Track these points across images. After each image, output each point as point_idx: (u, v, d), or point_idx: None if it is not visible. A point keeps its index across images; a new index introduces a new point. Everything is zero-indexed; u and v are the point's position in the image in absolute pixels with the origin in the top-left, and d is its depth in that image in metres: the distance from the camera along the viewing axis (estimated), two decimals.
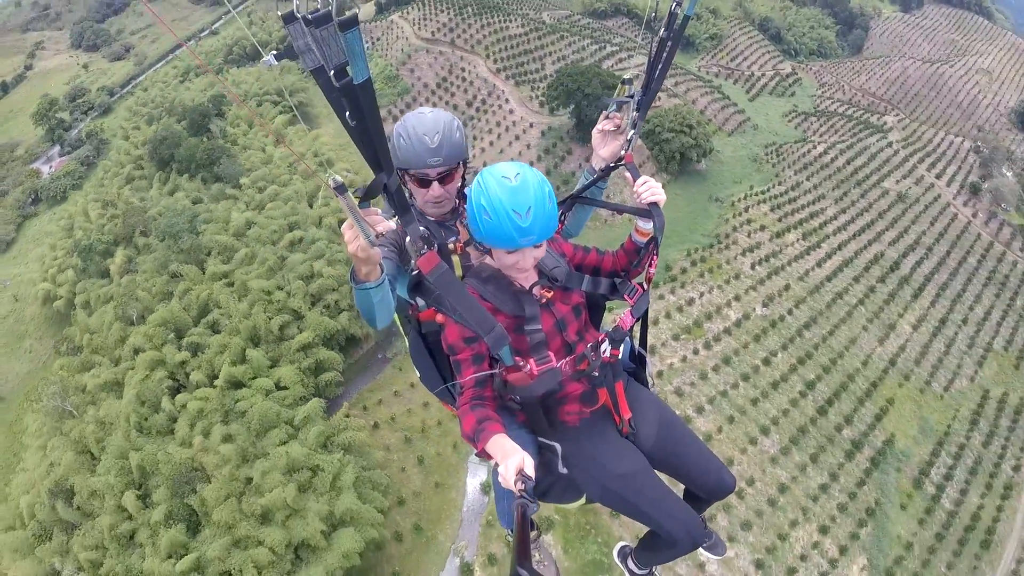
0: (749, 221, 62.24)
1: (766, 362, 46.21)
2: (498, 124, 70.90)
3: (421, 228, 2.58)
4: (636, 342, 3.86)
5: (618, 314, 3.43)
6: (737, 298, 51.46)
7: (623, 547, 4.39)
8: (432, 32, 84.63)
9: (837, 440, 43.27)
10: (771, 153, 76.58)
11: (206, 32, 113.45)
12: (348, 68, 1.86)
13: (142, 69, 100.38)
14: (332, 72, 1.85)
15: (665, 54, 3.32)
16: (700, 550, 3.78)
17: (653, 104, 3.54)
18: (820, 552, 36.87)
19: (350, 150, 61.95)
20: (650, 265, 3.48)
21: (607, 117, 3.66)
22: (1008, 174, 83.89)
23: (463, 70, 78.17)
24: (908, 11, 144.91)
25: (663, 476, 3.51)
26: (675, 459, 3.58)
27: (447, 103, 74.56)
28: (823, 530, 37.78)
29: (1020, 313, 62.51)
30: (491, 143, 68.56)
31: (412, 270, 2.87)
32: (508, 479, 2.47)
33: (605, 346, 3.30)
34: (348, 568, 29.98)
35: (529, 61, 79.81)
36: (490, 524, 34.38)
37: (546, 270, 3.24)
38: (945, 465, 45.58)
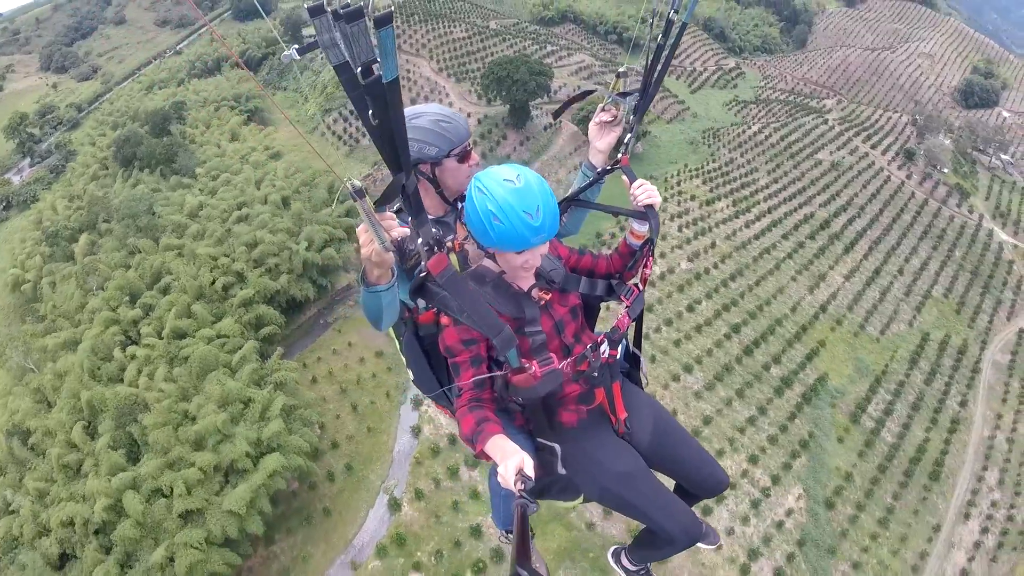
0: (680, 193, 65.03)
1: (690, 309, 48.09)
2: None
3: (433, 230, 2.65)
4: (630, 342, 3.95)
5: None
6: (662, 255, 53.34)
7: (615, 548, 4.45)
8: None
9: (765, 377, 44.32)
10: (708, 136, 79.60)
11: (171, 52, 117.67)
12: (374, 66, 1.85)
13: (109, 87, 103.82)
14: (359, 69, 1.84)
15: (662, 61, 3.39)
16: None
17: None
18: (750, 481, 37.38)
19: (300, 146, 66.75)
20: (645, 266, 3.58)
21: (604, 109, 3.72)
22: (946, 141, 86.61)
23: (408, 72, 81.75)
24: (852, 6, 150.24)
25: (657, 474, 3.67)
26: (670, 458, 3.67)
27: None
28: (752, 460, 38.46)
29: (960, 264, 64.61)
30: None
31: (419, 272, 2.77)
32: (508, 479, 2.49)
33: (604, 347, 3.39)
34: (274, 491, 31.93)
35: (470, 61, 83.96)
36: (418, 462, 35.93)
37: (544, 272, 3.26)
38: (884, 401, 46.59)
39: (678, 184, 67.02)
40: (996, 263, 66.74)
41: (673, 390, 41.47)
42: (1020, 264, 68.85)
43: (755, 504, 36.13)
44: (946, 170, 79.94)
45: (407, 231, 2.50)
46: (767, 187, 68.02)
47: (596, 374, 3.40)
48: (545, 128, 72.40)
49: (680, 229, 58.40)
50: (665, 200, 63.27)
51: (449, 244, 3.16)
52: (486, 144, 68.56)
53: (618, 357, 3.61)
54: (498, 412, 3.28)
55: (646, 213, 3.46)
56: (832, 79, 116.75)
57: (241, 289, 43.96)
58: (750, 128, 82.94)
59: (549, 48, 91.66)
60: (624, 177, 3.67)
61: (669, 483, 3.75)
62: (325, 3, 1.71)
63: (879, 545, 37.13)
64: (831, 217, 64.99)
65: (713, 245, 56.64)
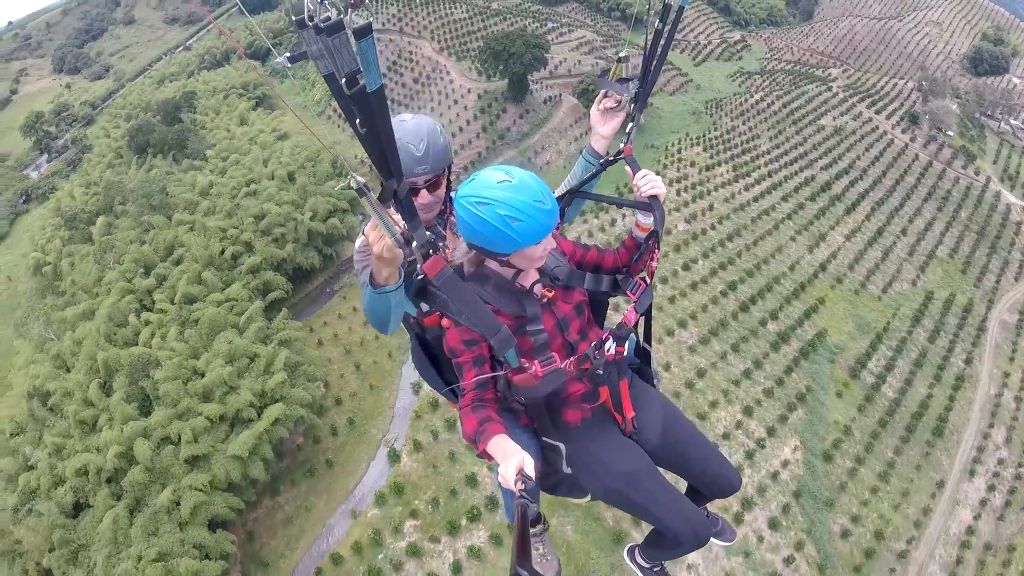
0: (680, 160, 65.79)
1: (685, 267, 48.48)
2: (440, 92, 76.34)
3: (428, 233, 2.60)
4: (640, 338, 3.89)
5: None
6: None
7: (631, 546, 4.39)
8: (383, 23, 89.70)
9: (761, 333, 44.32)
10: (711, 107, 79.89)
11: (180, 48, 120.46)
12: (359, 76, 1.86)
13: (121, 84, 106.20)
14: (344, 80, 1.85)
15: (661, 46, 3.34)
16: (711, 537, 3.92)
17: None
18: (745, 432, 37.47)
19: (303, 131, 68.25)
20: (651, 259, 3.45)
21: (607, 95, 3.64)
22: (952, 105, 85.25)
23: (411, 53, 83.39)
24: None
25: (668, 475, 3.63)
26: (680, 457, 3.63)
27: (397, 82, 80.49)
28: (747, 411, 38.53)
29: (965, 224, 64.01)
30: (432, 108, 73.66)
31: (417, 274, 2.74)
32: (508, 479, 2.47)
33: (609, 344, 3.30)
34: (277, 439, 33.68)
35: (471, 40, 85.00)
36: (418, 416, 36.99)
37: (547, 269, 3.23)
38: (885, 358, 46.20)
39: (678, 152, 67.73)
40: (1003, 224, 65.86)
41: (667, 344, 41.68)
42: None
43: (750, 455, 36.39)
44: (951, 133, 78.98)
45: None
46: (768, 152, 68.31)
47: (601, 372, 3.35)
48: (544, 101, 73.32)
49: (679, 193, 59.01)
50: (664, 167, 64.27)
51: (443, 254, 3.12)
52: (486, 118, 69.82)
53: (625, 354, 3.51)
54: (503, 411, 3.29)
55: (650, 204, 3.40)
56: (839, 49, 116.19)
57: (249, 257, 45.89)
58: (752, 97, 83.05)
59: (550, 25, 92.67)
60: (627, 167, 3.58)
61: (681, 485, 3.84)
62: (307, 17, 1.74)
63: (879, 499, 36.92)
64: (832, 180, 64.83)
65: (711, 207, 57.23)
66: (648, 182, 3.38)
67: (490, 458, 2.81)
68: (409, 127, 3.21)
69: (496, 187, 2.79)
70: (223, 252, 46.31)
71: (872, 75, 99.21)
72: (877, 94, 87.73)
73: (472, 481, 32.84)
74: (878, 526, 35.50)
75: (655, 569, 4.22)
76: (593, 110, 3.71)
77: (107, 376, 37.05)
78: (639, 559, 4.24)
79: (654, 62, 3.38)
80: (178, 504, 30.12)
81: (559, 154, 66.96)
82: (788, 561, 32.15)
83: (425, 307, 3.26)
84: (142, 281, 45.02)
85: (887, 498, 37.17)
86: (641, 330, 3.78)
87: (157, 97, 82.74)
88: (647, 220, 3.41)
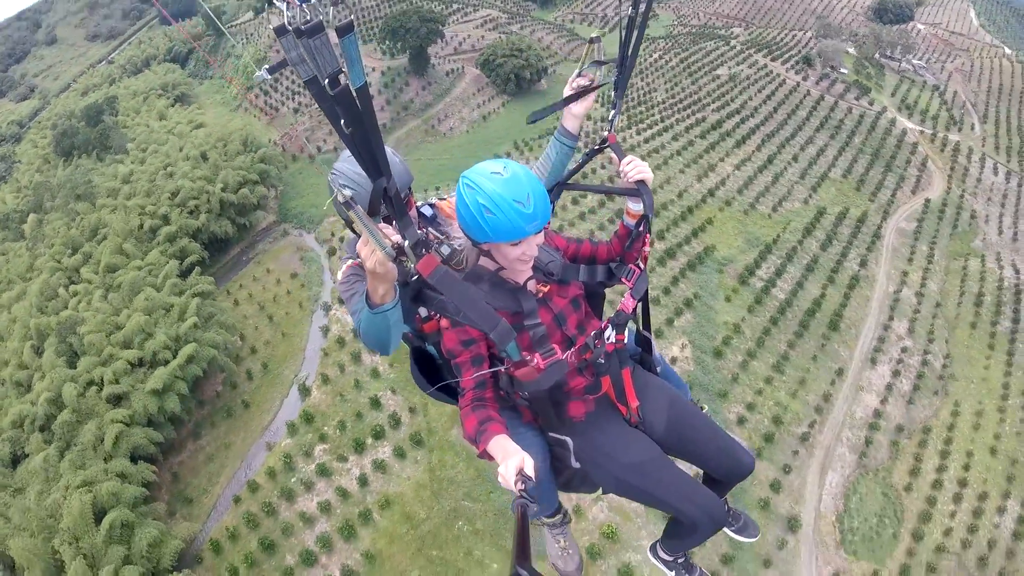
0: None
1: (574, 202, 49.91)
2: None
3: (419, 232, 2.57)
4: (639, 325, 3.87)
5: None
6: None
7: (653, 543, 4.30)
8: (289, 18, 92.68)
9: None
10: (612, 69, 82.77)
11: (103, 62, 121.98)
12: (341, 76, 1.86)
13: (47, 101, 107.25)
14: (326, 81, 1.85)
15: (636, 32, 3.39)
16: (731, 533, 4.12)
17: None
18: None
19: (226, 123, 70.84)
20: (643, 245, 3.48)
21: (580, 75, 3.66)
22: (849, 48, 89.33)
23: None
24: None
25: (682, 464, 3.62)
26: (688, 444, 3.60)
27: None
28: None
29: (859, 148, 66.37)
30: None
31: (412, 276, 2.69)
32: (508, 479, 2.46)
33: (609, 332, 3.34)
34: (193, 377, 36.68)
35: (376, 24, 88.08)
36: (326, 354, 39.36)
37: (541, 265, 3.22)
38: (775, 266, 47.08)
39: None
40: (899, 145, 68.66)
41: None
42: (925, 145, 71.19)
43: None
44: (844, 70, 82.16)
45: (399, 238, 2.45)
46: (663, 102, 71.49)
47: (602, 361, 3.35)
48: (447, 74, 77.12)
49: None
50: (557, 118, 66.50)
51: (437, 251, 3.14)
52: (389, 92, 72.97)
53: (626, 342, 3.51)
54: (506, 410, 3.32)
55: (638, 190, 3.40)
56: (744, 10, 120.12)
57: (166, 227, 49.30)
58: (652, 56, 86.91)
59: (456, 6, 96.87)
60: (613, 155, 3.64)
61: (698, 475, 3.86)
62: (287, 23, 1.80)
63: (775, 388, 37.75)
64: (724, 119, 67.11)
65: (601, 150, 59.14)
66: (634, 168, 3.43)
67: (491, 458, 2.78)
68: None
69: (487, 176, 2.81)
70: (142, 226, 49.51)
71: (774, 31, 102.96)
72: (775, 45, 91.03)
73: (376, 404, 35.06)
74: (775, 412, 36.42)
75: (679, 561, 4.17)
76: (567, 89, 3.74)
77: (39, 341, 40.01)
78: (661, 553, 4.19)
79: (630, 48, 3.44)
80: (102, 440, 32.63)
81: (462, 120, 70.74)
82: None
83: (424, 313, 3.27)
84: (69, 259, 48.25)
85: (783, 387, 38.16)
86: (640, 318, 3.80)
87: (81, 105, 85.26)
88: (636, 206, 3.44)
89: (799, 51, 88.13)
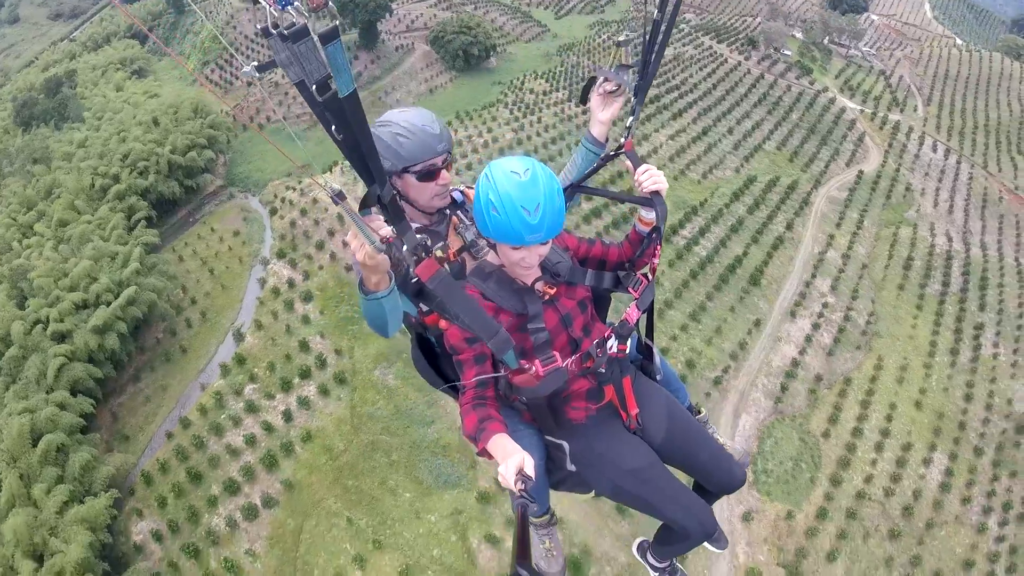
0: (521, 88, 71.42)
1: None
2: None
3: (418, 236, 2.55)
4: (643, 333, 3.79)
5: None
6: (489, 130, 60.25)
7: (642, 542, 4.40)
8: None
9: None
10: (563, 50, 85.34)
11: (65, 40, 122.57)
12: (331, 81, 1.83)
13: (8, 78, 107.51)
14: (314, 87, 1.82)
15: (660, 36, 3.24)
16: (706, 543, 3.98)
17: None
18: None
19: (181, 94, 71.83)
20: (653, 255, 3.40)
21: (607, 79, 3.60)
22: (797, 33, 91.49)
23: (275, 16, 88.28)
24: None
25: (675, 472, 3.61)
26: (684, 453, 3.59)
27: (261, 44, 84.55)
28: None
29: (795, 123, 68.00)
30: None
31: (411, 279, 2.66)
32: (508, 479, 2.45)
33: (612, 342, 3.32)
34: (134, 320, 39.25)
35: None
36: (262, 303, 41.59)
37: (549, 265, 3.18)
38: (699, 226, 48.01)
39: (522, 84, 72.95)
40: (836, 122, 70.38)
41: None
42: (864, 123, 73.35)
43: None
44: (788, 52, 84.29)
45: (389, 232, 2.41)
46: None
47: (604, 370, 3.31)
48: (396, 48, 79.98)
49: (511, 111, 64.79)
50: (504, 94, 70.08)
51: (441, 254, 3.24)
52: None
53: (628, 351, 3.48)
54: (505, 408, 3.32)
55: (652, 200, 3.32)
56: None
57: (116, 186, 51.71)
58: (600, 37, 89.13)
59: None
60: (628, 163, 3.51)
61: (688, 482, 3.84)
62: (270, 25, 1.71)
63: (690, 336, 38.77)
64: (663, 94, 68.62)
65: (539, 120, 62.60)
66: (649, 177, 3.33)
67: (490, 457, 2.76)
68: (414, 113, 3.22)
69: (505, 174, 2.76)
70: (93, 185, 52.04)
71: (726, 16, 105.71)
72: (724, 30, 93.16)
73: (304, 346, 37.05)
74: (689, 357, 37.35)
75: (666, 567, 4.23)
76: (593, 95, 3.70)
77: None
78: (650, 557, 4.25)
79: (653, 53, 3.30)
80: (45, 375, 35.05)
81: (409, 93, 72.95)
82: None
83: (425, 307, 3.28)
84: (24, 216, 51.03)
85: (698, 335, 39.13)
86: (643, 327, 3.73)
87: (41, 78, 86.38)
88: (649, 215, 3.36)
89: (747, 34, 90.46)
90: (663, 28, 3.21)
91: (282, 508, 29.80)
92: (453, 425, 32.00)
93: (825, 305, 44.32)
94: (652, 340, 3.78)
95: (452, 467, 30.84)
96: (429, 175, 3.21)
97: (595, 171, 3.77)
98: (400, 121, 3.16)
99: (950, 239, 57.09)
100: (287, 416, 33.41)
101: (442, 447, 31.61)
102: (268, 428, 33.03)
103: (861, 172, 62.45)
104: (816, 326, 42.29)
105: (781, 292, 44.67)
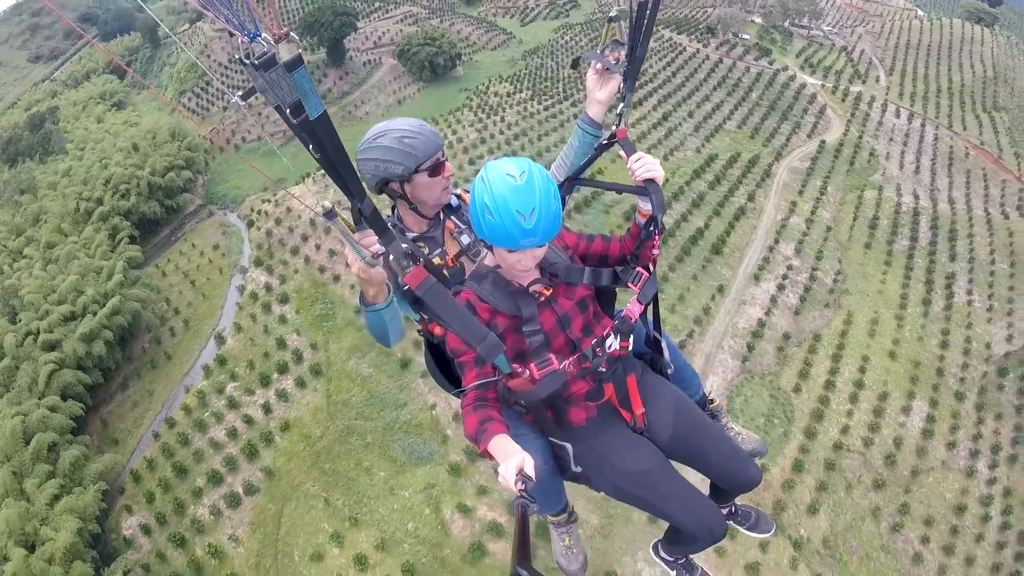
0: (487, 92, 73.36)
1: (471, 163, 54.41)
2: None
3: (404, 245, 2.63)
4: (649, 328, 3.67)
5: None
6: (454, 132, 62.26)
7: (656, 541, 4.23)
8: (223, 25, 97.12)
9: None
10: (528, 55, 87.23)
11: (46, 81, 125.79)
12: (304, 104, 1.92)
13: None
14: (288, 110, 1.91)
15: (646, 19, 3.15)
16: (744, 531, 4.13)
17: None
18: None
19: (160, 120, 74.10)
20: (652, 247, 3.29)
21: (603, 53, 3.48)
22: (757, 19, 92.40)
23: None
24: None
25: (688, 472, 3.50)
26: (694, 452, 3.47)
27: (236, 70, 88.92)
28: None
29: (756, 102, 68.08)
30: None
31: (403, 287, 2.74)
32: (508, 479, 2.40)
33: (611, 340, 3.18)
34: (120, 328, 41.36)
35: (297, 26, 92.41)
36: (241, 308, 43.03)
37: (546, 265, 3.09)
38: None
39: (487, 89, 74.80)
40: (796, 97, 70.42)
41: None
42: (825, 97, 73.38)
43: None
44: (746, 36, 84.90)
45: (380, 248, 2.51)
46: (568, 78, 74.67)
47: (603, 370, 3.20)
48: (364, 64, 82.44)
49: (475, 113, 66.60)
50: (470, 99, 71.90)
51: (440, 261, 3.28)
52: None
53: (631, 348, 3.34)
54: (508, 410, 3.27)
55: (647, 188, 3.17)
56: None
57: (99, 208, 54.66)
58: (563, 39, 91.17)
59: (377, 4, 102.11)
60: (621, 151, 3.35)
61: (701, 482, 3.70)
62: (243, 55, 1.82)
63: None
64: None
65: (503, 119, 64.17)
66: (643, 165, 3.18)
67: (491, 458, 2.70)
68: (401, 119, 3.25)
69: (501, 177, 2.68)
70: (78, 208, 55.22)
71: (687, 9, 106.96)
72: (683, 22, 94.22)
73: (282, 344, 38.63)
74: None
75: (679, 562, 4.13)
76: (589, 74, 3.58)
77: None
78: (662, 553, 4.15)
79: (640, 37, 3.23)
80: (37, 381, 37.23)
81: (378, 105, 75.24)
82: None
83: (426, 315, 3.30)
84: (14, 242, 54.16)
85: (661, 303, 38.10)
86: (651, 319, 3.62)
87: (24, 116, 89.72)
88: (647, 206, 3.24)
89: (705, 24, 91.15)
90: (648, 11, 3.13)
91: (263, 494, 31.07)
92: (424, 405, 33.24)
93: (790, 267, 44.45)
94: (661, 333, 3.69)
95: (424, 444, 31.92)
96: (436, 169, 3.25)
97: (591, 162, 3.68)
98: (397, 126, 3.20)
99: (917, 197, 57.51)
100: (266, 408, 34.88)
101: (415, 426, 32.91)
102: (249, 421, 34.53)
103: (823, 142, 62.51)
104: (781, 287, 42.49)
105: (744, 259, 44.85)
